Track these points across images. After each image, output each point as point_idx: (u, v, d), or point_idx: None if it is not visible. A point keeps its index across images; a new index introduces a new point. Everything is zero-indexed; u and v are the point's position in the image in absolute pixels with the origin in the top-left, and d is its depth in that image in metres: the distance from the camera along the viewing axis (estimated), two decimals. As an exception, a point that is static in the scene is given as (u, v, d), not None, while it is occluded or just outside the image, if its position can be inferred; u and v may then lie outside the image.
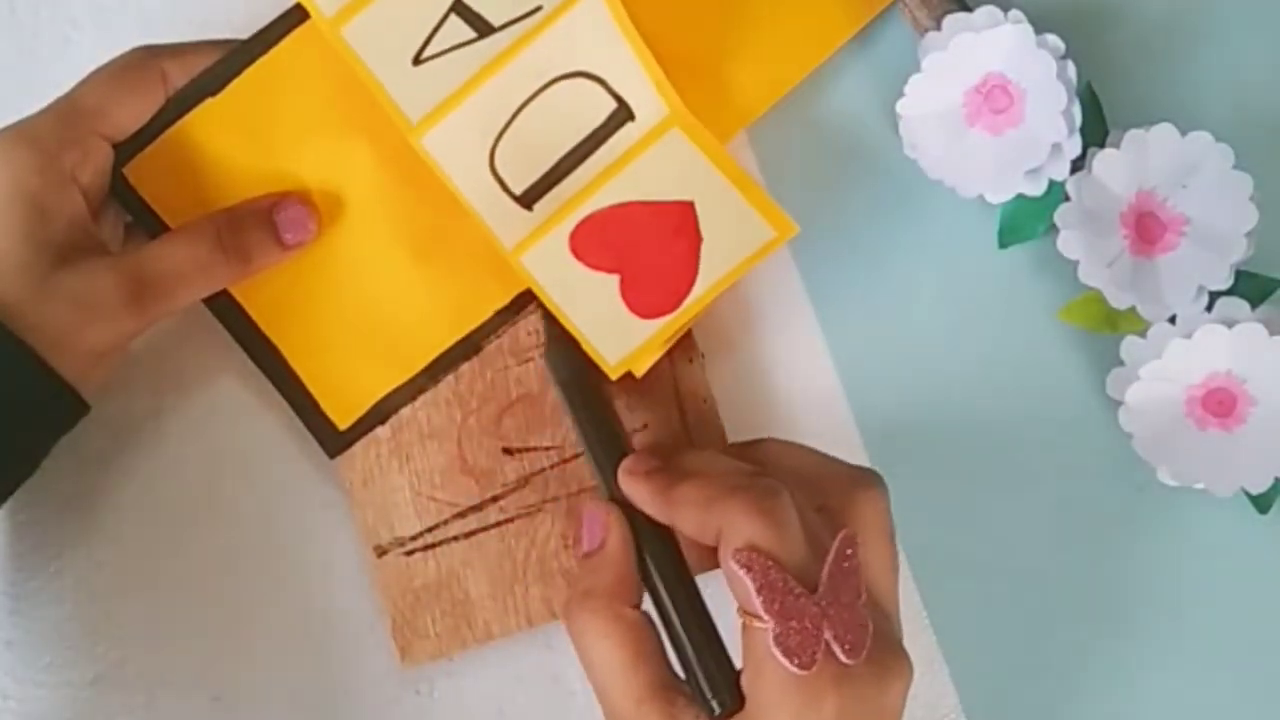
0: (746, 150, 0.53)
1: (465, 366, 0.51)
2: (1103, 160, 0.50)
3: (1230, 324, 0.49)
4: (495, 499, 0.51)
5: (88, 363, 0.46)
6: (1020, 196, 0.51)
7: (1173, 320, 0.50)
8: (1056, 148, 0.50)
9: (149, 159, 0.49)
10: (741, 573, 0.39)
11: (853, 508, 0.42)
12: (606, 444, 0.46)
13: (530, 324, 0.51)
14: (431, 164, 0.47)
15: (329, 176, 0.50)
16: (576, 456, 0.51)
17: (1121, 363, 0.51)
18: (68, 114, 0.47)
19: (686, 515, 0.41)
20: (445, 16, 0.47)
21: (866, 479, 0.44)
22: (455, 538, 0.51)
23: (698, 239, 0.48)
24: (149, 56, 0.48)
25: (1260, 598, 0.53)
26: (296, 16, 0.49)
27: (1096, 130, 0.51)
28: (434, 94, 0.47)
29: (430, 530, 0.51)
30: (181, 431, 0.52)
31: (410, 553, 0.51)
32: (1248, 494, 0.50)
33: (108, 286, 0.45)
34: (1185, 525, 0.53)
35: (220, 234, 0.48)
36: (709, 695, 0.41)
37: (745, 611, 0.39)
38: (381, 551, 0.51)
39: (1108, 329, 0.51)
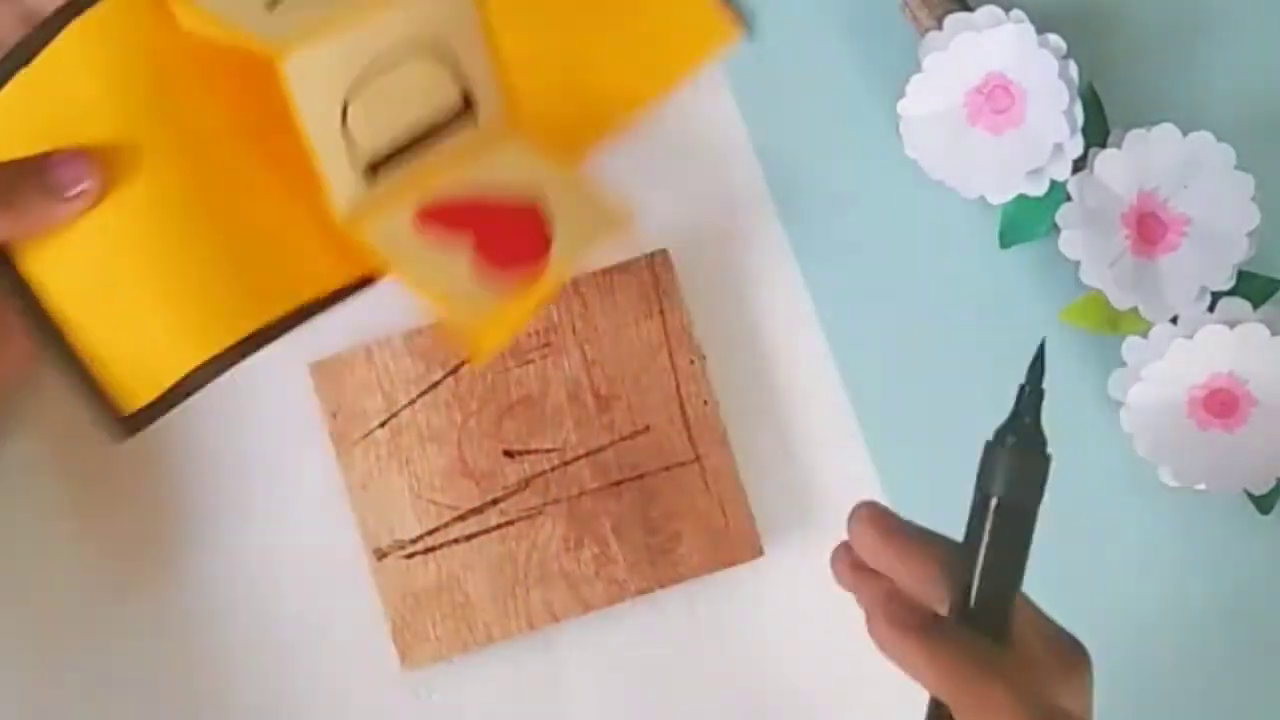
0: (748, 150, 0.53)
1: (465, 368, 0.51)
2: (1104, 160, 0.50)
3: (1232, 324, 0.48)
4: (495, 501, 0.50)
5: None
6: (1021, 196, 0.51)
7: (1174, 321, 0.50)
8: (1058, 148, 0.50)
9: None
10: None
11: None
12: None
13: (529, 326, 0.51)
14: (288, 96, 0.43)
15: (151, 133, 0.45)
16: (577, 459, 0.51)
17: (1123, 363, 0.50)
18: None
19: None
20: None
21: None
22: (455, 540, 0.50)
23: (547, 225, 0.47)
24: None
25: (1261, 598, 0.53)
26: None
27: (1098, 130, 0.51)
28: (294, 25, 0.43)
29: (430, 533, 0.50)
30: (182, 432, 0.52)
31: (410, 555, 0.50)
32: (1249, 495, 0.50)
33: None
34: (1187, 526, 0.53)
35: None
36: None
37: None
38: (381, 554, 0.50)
39: (1109, 329, 0.51)
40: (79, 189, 0.44)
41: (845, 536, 0.52)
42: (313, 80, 0.44)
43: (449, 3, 0.46)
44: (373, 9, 0.44)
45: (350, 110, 0.45)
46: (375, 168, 0.46)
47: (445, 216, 0.47)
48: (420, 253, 0.46)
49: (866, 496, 0.52)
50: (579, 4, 0.49)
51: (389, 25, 0.45)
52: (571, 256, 0.47)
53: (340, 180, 0.46)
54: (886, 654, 0.36)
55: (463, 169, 0.48)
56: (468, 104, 0.47)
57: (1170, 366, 0.49)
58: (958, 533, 0.52)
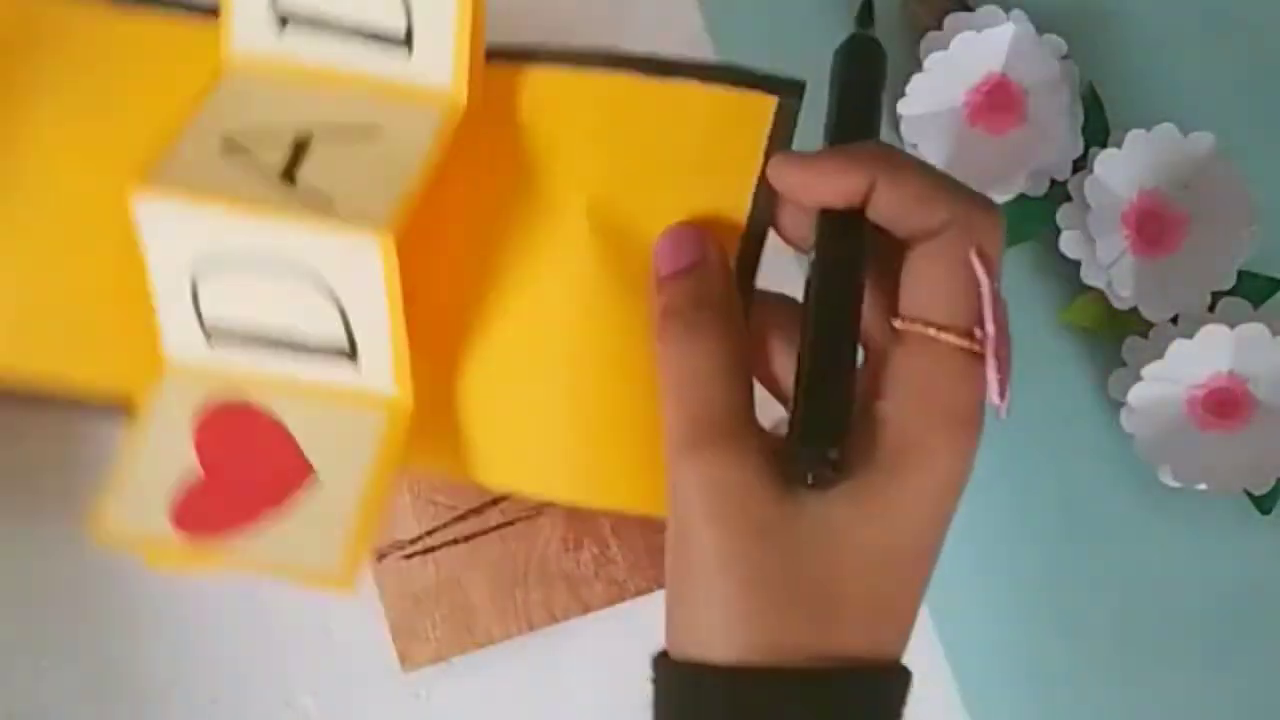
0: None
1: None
2: (1105, 160, 0.50)
3: (1232, 324, 0.49)
4: (495, 502, 0.50)
5: None
6: (1022, 196, 0.51)
7: (1175, 320, 0.50)
8: (1058, 147, 0.50)
9: None
10: (982, 272, 0.33)
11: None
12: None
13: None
14: (133, 231, 0.41)
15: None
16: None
17: (1123, 363, 0.50)
18: None
19: (909, 186, 0.35)
20: (287, 132, 0.42)
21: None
22: (455, 541, 0.50)
23: (276, 503, 0.42)
24: None
25: (1262, 599, 0.53)
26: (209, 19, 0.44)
27: (1098, 130, 0.51)
28: (188, 174, 0.41)
29: (430, 534, 0.50)
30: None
31: (410, 556, 0.50)
32: (1250, 495, 0.50)
33: None
34: (1187, 526, 0.53)
35: None
36: (818, 439, 0.33)
37: (942, 327, 0.34)
38: (381, 555, 0.50)
39: (1109, 329, 0.51)
40: None
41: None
42: (164, 230, 0.41)
43: (346, 253, 0.41)
44: (274, 211, 0.40)
45: (203, 278, 0.42)
46: (217, 339, 0.43)
47: (230, 419, 0.43)
48: (168, 434, 0.42)
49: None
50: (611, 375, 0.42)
51: (282, 234, 0.41)
52: (249, 559, 0.41)
53: (178, 325, 0.43)
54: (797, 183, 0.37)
55: (300, 395, 0.43)
56: (352, 347, 0.42)
57: (1170, 366, 0.49)
58: (974, 541, 0.52)
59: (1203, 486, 0.50)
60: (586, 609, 0.50)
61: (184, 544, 0.41)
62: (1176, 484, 0.50)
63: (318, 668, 0.51)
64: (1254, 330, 0.48)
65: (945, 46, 0.50)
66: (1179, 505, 0.52)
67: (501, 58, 0.44)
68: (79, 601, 0.51)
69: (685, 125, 0.43)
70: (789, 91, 0.41)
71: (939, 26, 0.50)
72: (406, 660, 0.50)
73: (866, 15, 0.41)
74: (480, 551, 0.50)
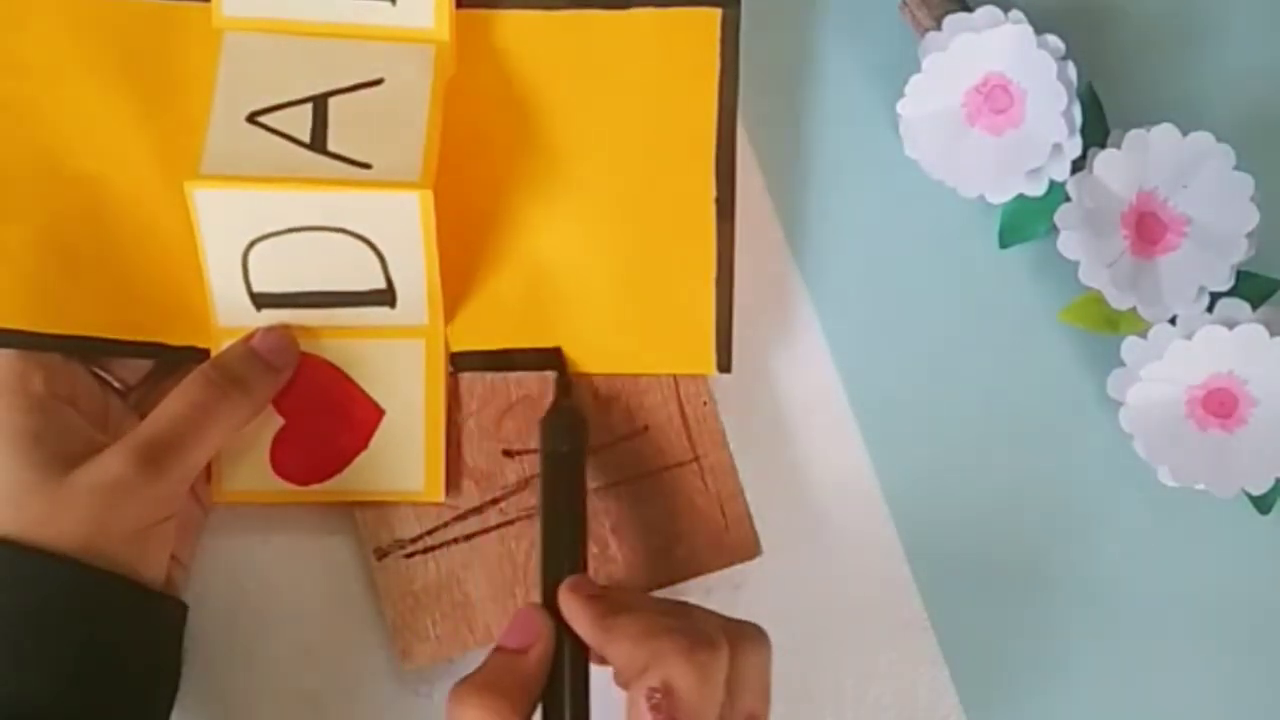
0: (747, 150, 0.53)
1: (462, 372, 0.51)
2: (1104, 160, 0.50)
3: (1231, 325, 0.48)
4: (495, 501, 0.51)
5: (143, 550, 0.45)
6: (1021, 197, 0.51)
7: (1173, 321, 0.50)
8: (1057, 148, 0.50)
9: None
10: (649, 714, 0.39)
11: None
12: (567, 547, 0.46)
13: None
14: (191, 217, 0.46)
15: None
16: (576, 459, 0.51)
17: (1122, 363, 0.50)
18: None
19: (620, 646, 0.41)
20: (304, 100, 0.47)
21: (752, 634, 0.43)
22: (455, 540, 0.51)
23: (363, 446, 0.49)
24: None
25: (1261, 598, 0.53)
26: None
27: (1097, 130, 0.51)
28: (237, 162, 0.46)
29: (430, 533, 0.50)
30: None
31: (410, 555, 0.50)
32: (1249, 495, 0.50)
33: (116, 463, 0.44)
34: (1186, 526, 0.53)
35: (208, 375, 0.47)
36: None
37: None
38: (381, 554, 0.50)
39: (1108, 330, 0.51)
40: (284, 356, 0.49)
41: (844, 535, 0.53)
42: (221, 214, 0.46)
43: (387, 206, 0.46)
44: (310, 186, 0.46)
45: (255, 249, 0.47)
46: (264, 303, 0.48)
47: (295, 372, 0.49)
48: None
49: (865, 495, 0.53)
50: (591, 250, 0.50)
51: (321, 202, 0.46)
52: (353, 489, 0.49)
53: (224, 295, 0.48)
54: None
55: (351, 339, 0.49)
56: (390, 288, 0.48)
57: (1169, 367, 0.49)
58: (972, 540, 0.53)
59: (1202, 486, 0.50)
60: (586, 608, 0.50)
61: (293, 490, 0.49)
62: (1176, 484, 0.50)
63: (318, 666, 0.51)
64: (1253, 330, 0.48)
65: (944, 47, 0.50)
66: (1179, 505, 0.52)
67: (470, 4, 0.49)
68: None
69: (648, 47, 0.50)
70: (729, 3, 0.49)
71: (938, 27, 0.50)
72: (407, 658, 0.50)
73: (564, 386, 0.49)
74: (480, 551, 0.50)
